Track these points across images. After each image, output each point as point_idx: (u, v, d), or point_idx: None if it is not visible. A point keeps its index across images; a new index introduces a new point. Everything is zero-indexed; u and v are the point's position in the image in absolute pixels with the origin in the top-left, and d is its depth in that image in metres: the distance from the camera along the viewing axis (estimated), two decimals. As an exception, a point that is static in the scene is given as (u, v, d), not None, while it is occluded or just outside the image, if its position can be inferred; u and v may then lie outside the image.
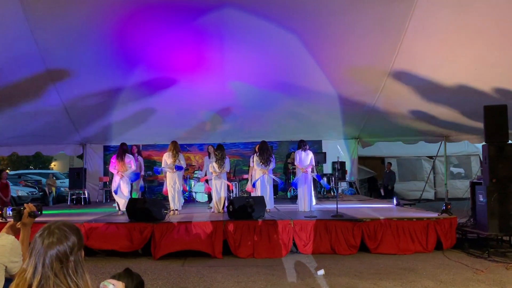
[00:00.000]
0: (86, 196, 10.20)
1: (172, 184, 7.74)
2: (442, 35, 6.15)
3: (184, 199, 10.02)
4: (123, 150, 7.92)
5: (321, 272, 5.04)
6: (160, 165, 8.16)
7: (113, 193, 8.00)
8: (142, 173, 9.70)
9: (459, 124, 8.66)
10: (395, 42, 6.62)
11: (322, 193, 10.95)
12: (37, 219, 2.25)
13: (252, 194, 7.93)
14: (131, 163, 7.91)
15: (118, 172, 7.78)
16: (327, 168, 11.52)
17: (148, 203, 6.55)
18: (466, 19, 5.71)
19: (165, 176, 8.05)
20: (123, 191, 7.76)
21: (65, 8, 6.12)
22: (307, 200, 7.70)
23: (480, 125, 6.76)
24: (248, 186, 8.65)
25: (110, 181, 9.25)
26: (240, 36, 6.89)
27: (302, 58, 7.27)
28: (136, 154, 9.47)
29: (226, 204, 7.34)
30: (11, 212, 2.22)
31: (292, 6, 6.16)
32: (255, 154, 8.01)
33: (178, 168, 7.77)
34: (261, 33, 6.74)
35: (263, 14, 6.23)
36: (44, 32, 6.52)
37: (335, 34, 6.68)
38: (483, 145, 6.30)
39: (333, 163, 11.17)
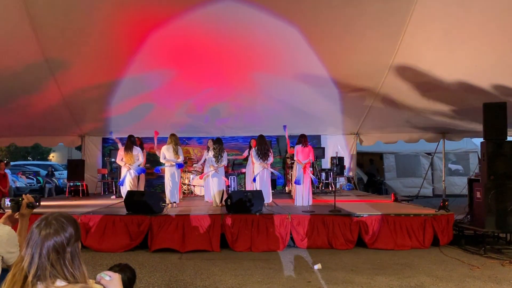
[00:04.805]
0: (84, 188, 10.22)
1: (170, 177, 7.75)
2: (443, 31, 6.12)
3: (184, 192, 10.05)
4: (131, 142, 7.93)
5: (317, 266, 5.07)
6: (158, 157, 8.19)
7: (119, 185, 8.06)
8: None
9: (458, 120, 8.66)
10: (397, 37, 6.59)
11: (320, 188, 10.98)
12: (35, 210, 2.26)
13: (249, 188, 7.96)
14: (139, 155, 7.93)
15: (125, 164, 7.80)
16: (326, 163, 11.54)
17: (146, 196, 6.55)
18: (467, 15, 5.68)
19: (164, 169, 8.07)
20: (127, 185, 7.79)
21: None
22: (305, 195, 7.72)
23: (479, 123, 6.76)
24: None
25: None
26: (239, 29, 6.85)
27: (302, 52, 7.23)
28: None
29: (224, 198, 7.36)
30: (9, 203, 2.22)
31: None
32: (253, 148, 8.01)
33: (179, 165, 7.78)
34: (261, 27, 6.70)
35: (263, 7, 6.19)
36: (43, 23, 6.47)
37: (335, 28, 6.64)
38: (481, 142, 6.30)
39: (332, 158, 11.19)
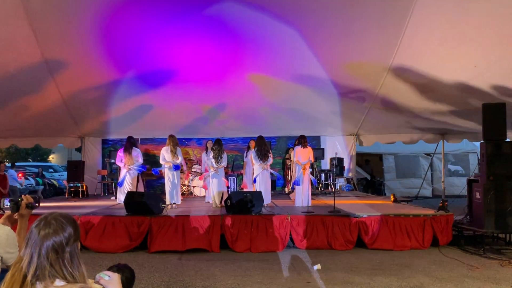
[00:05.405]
0: (84, 189, 10.22)
1: (170, 178, 7.76)
2: (443, 32, 6.12)
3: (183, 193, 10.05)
4: (130, 144, 7.97)
5: (317, 267, 5.07)
6: (158, 159, 8.21)
7: (118, 186, 8.09)
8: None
9: (458, 121, 8.66)
10: (396, 38, 6.58)
11: (319, 189, 10.98)
12: (34, 211, 2.26)
13: (250, 189, 7.97)
14: (138, 157, 7.97)
15: (125, 165, 7.84)
16: (325, 164, 11.54)
17: (145, 197, 6.54)
18: (466, 16, 5.69)
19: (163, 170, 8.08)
20: (127, 185, 7.80)
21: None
22: (305, 196, 7.72)
23: (478, 123, 6.77)
24: (244, 182, 8.70)
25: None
26: (240, 30, 6.86)
27: (302, 53, 7.24)
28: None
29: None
30: (8, 204, 2.22)
31: (292, 1, 6.14)
32: (252, 149, 8.02)
33: (176, 167, 7.80)
34: (261, 28, 6.71)
35: (263, 8, 6.20)
36: (42, 24, 6.48)
37: (335, 29, 6.65)
38: (480, 143, 6.31)
39: (331, 159, 11.19)
